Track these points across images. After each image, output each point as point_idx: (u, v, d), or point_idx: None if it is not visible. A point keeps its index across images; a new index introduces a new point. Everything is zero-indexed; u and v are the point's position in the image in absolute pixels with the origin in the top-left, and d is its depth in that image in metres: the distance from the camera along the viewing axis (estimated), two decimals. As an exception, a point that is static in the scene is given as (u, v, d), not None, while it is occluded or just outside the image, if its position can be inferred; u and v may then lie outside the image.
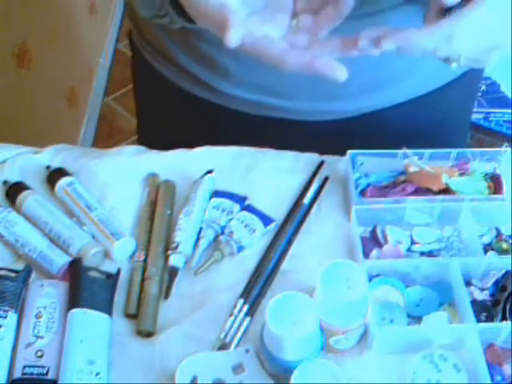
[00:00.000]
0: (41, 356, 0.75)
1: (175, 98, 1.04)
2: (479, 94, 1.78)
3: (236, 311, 0.82)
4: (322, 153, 0.98)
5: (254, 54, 0.71)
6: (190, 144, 0.98)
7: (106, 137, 2.36)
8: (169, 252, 0.85)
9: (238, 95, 0.97)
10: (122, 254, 0.86)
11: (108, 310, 0.80)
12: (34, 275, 0.82)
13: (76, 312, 0.77)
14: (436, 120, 1.04)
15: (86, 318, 0.77)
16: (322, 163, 0.96)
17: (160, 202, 0.90)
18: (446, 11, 0.73)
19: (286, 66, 0.70)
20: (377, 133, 0.96)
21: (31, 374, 0.74)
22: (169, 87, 1.02)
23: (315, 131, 0.99)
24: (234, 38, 0.68)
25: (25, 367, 0.74)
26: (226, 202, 0.90)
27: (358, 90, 0.94)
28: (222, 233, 0.88)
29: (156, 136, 1.13)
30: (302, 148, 0.98)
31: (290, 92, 0.94)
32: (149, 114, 1.16)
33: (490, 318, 0.81)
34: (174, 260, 0.85)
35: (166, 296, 0.83)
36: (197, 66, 0.97)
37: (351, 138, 0.95)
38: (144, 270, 0.85)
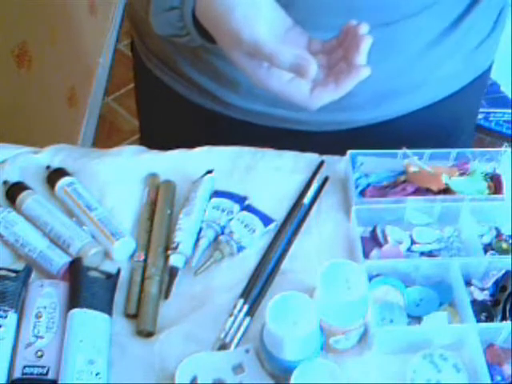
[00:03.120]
0: (41, 356, 0.75)
1: (180, 108, 1.04)
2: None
3: (236, 311, 0.82)
4: None
5: (283, 97, 0.76)
6: None
7: (105, 137, 2.36)
8: (169, 252, 0.85)
9: (248, 107, 0.96)
10: (122, 253, 0.86)
11: (108, 310, 0.80)
12: (34, 275, 0.82)
13: (76, 312, 0.77)
14: (447, 126, 1.04)
15: (86, 317, 0.77)
16: (322, 163, 0.96)
17: (160, 202, 0.90)
18: None
19: (315, 106, 0.76)
20: (387, 141, 0.96)
21: (31, 374, 0.74)
22: (174, 97, 1.02)
23: (325, 141, 0.98)
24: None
25: (25, 367, 0.74)
26: (226, 202, 0.90)
27: (372, 99, 0.94)
28: (222, 233, 0.88)
29: (160, 145, 1.13)
30: None
31: None
32: (152, 123, 1.16)
33: (490, 318, 0.81)
34: (174, 260, 0.85)
35: (166, 296, 0.83)
36: (205, 78, 0.96)
37: (361, 147, 0.95)
38: (144, 269, 0.85)
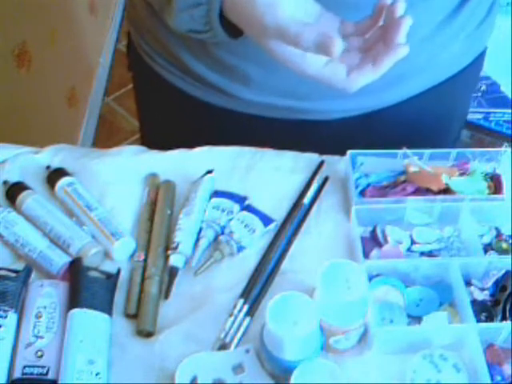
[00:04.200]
0: (41, 356, 0.75)
1: (182, 105, 1.04)
2: (479, 93, 1.78)
3: (236, 311, 0.82)
4: (335, 151, 0.97)
5: (320, 81, 0.75)
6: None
7: (105, 137, 2.36)
8: (169, 252, 0.85)
9: (258, 100, 0.97)
10: (122, 253, 0.86)
11: (108, 310, 0.80)
12: (34, 275, 0.82)
13: (76, 312, 0.77)
14: (442, 112, 1.05)
15: (86, 317, 0.77)
16: (322, 163, 0.96)
17: (160, 202, 0.90)
18: None
19: (353, 88, 0.75)
20: (389, 128, 0.96)
21: (31, 374, 0.74)
22: (175, 94, 1.02)
23: (333, 129, 0.99)
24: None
25: (25, 367, 0.74)
26: (226, 202, 0.90)
27: (381, 84, 0.94)
28: (222, 233, 0.88)
29: (160, 142, 1.13)
30: (319, 147, 0.98)
31: (313, 93, 0.94)
32: (152, 121, 1.16)
33: (490, 318, 0.81)
34: (174, 260, 0.85)
35: (166, 296, 0.83)
36: (213, 73, 0.96)
37: (367, 134, 0.95)
38: (144, 270, 0.85)
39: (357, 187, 0.91)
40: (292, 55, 0.75)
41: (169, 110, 1.08)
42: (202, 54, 0.95)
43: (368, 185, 0.91)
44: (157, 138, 1.15)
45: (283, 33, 0.73)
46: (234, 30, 0.80)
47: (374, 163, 0.92)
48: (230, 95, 0.97)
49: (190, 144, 0.98)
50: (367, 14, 0.75)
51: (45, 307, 0.78)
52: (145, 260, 0.85)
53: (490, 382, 0.75)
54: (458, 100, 1.09)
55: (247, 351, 0.77)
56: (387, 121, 0.99)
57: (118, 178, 0.93)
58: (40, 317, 0.78)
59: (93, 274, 0.82)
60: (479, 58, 1.06)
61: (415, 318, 0.82)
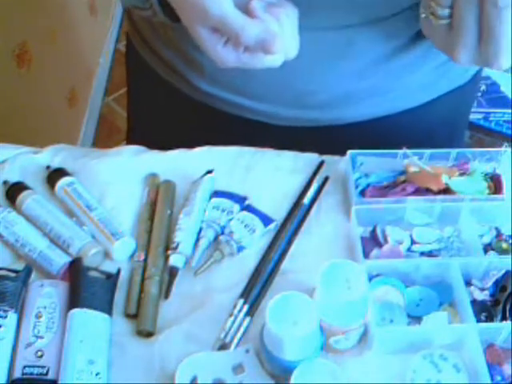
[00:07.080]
0: (41, 356, 0.75)
1: (162, 92, 1.04)
2: (479, 93, 1.78)
3: (236, 311, 0.82)
4: None
5: (242, 67, 0.75)
6: (174, 139, 0.98)
7: (105, 137, 2.37)
8: (169, 252, 0.85)
9: (213, 93, 0.97)
10: (122, 253, 0.86)
11: (108, 310, 0.80)
12: (34, 275, 0.82)
13: (76, 312, 0.77)
14: (420, 134, 1.03)
15: (86, 317, 0.77)
16: (322, 163, 0.96)
17: (160, 202, 0.90)
18: None
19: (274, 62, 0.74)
20: (356, 144, 0.95)
21: (31, 374, 0.74)
22: (156, 79, 1.02)
23: (291, 136, 0.98)
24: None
25: (25, 367, 0.74)
26: (226, 202, 0.90)
27: (334, 100, 0.94)
28: (222, 233, 0.88)
29: (143, 129, 1.13)
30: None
31: (261, 94, 0.94)
32: (138, 105, 1.16)
33: (490, 318, 0.81)
34: (174, 260, 0.85)
35: (166, 296, 0.83)
36: (177, 60, 0.97)
37: (328, 147, 0.95)
38: (144, 270, 0.85)
39: (357, 187, 0.91)
40: (217, 45, 0.75)
41: (149, 95, 1.08)
42: (165, 39, 0.95)
43: (368, 185, 0.91)
44: (140, 120, 1.16)
45: (227, 23, 0.72)
46: (175, 12, 0.79)
47: (374, 163, 0.92)
48: (191, 84, 0.98)
49: (168, 132, 0.99)
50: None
51: (45, 307, 0.78)
52: (145, 260, 0.85)
53: (490, 381, 0.75)
54: (437, 126, 1.06)
55: (247, 351, 0.77)
56: (350, 139, 0.97)
57: (117, 178, 0.93)
58: (40, 317, 0.78)
59: (93, 273, 0.82)
60: (464, 87, 1.02)
61: (415, 318, 0.82)
